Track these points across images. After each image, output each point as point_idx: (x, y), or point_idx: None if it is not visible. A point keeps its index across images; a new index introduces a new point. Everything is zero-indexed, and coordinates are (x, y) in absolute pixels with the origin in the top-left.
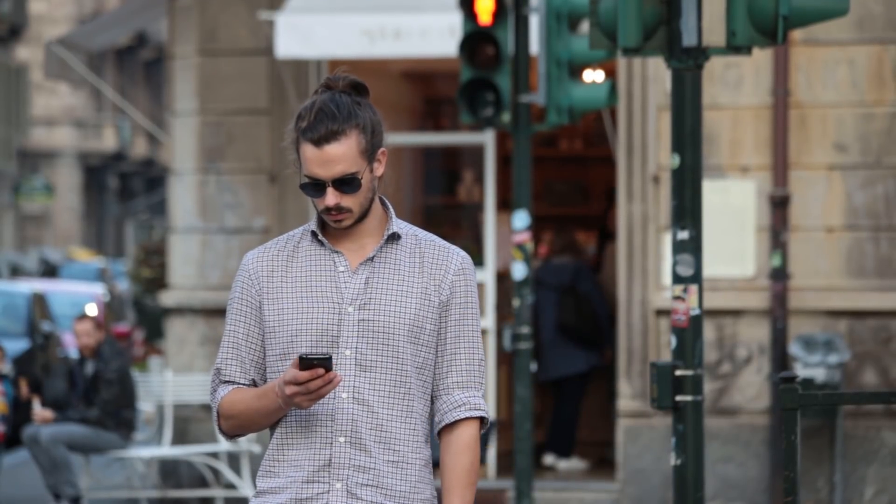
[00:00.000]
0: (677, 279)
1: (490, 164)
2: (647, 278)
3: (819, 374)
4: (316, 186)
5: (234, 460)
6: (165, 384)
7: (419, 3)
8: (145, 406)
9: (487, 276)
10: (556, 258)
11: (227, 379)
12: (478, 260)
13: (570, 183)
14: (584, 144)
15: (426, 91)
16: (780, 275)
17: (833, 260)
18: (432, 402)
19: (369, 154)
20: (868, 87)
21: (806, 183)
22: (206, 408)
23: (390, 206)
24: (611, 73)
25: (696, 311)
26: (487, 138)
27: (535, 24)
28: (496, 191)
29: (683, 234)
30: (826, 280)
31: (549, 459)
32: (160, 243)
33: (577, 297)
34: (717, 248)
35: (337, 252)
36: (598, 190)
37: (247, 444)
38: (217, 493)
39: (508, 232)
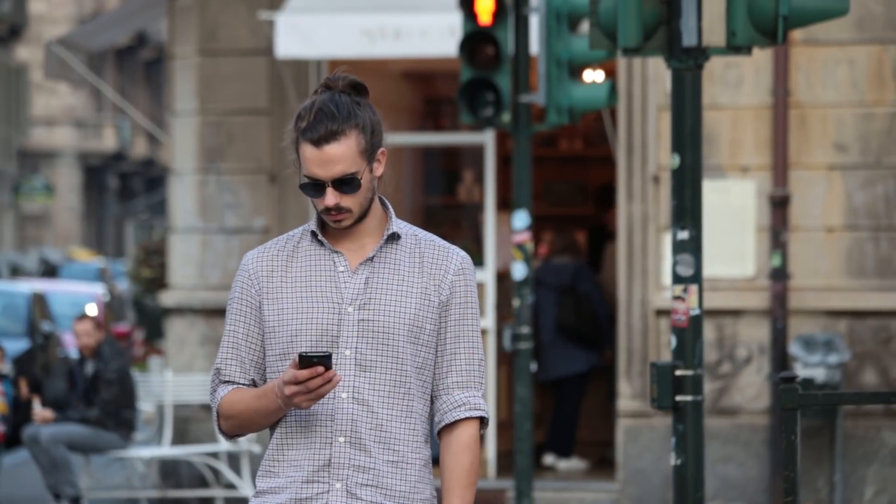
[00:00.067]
0: (677, 279)
1: (490, 164)
2: (647, 278)
3: (819, 374)
4: (315, 186)
5: (234, 460)
6: (165, 384)
7: (419, 3)
8: (145, 406)
9: (487, 276)
10: (556, 258)
11: (226, 379)
12: (478, 260)
13: (570, 183)
14: (584, 144)
15: (426, 91)
16: (780, 275)
17: (833, 260)
18: (432, 402)
19: (369, 154)
20: (868, 87)
21: (806, 183)
22: (206, 408)
23: (390, 206)
24: (611, 73)
25: (696, 311)
26: (487, 138)
27: (535, 24)
28: (496, 191)
29: (683, 234)
30: (826, 280)
31: (549, 459)
32: (160, 243)
33: (577, 297)
34: (717, 248)
35: (337, 252)
36: (595, 190)
37: (247, 444)
38: (217, 493)
39: (508, 232)
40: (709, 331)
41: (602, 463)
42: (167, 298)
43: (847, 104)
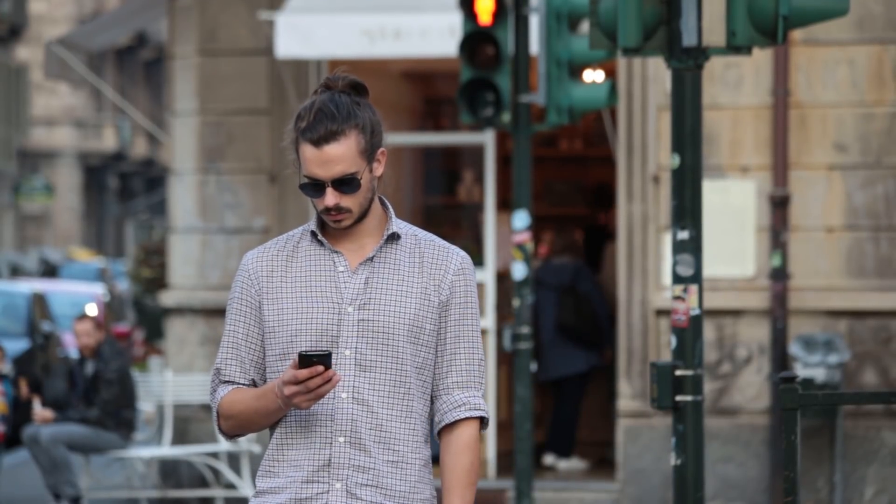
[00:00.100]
0: (677, 279)
1: (490, 164)
2: (647, 278)
3: (819, 374)
4: (315, 186)
5: (234, 460)
6: (165, 384)
7: (419, 3)
8: (145, 406)
9: (487, 276)
10: (556, 258)
11: (226, 379)
12: (478, 260)
13: (570, 183)
14: (584, 144)
15: (426, 91)
16: (780, 275)
17: (833, 260)
18: (432, 402)
19: (369, 154)
20: (868, 87)
21: (806, 183)
22: (206, 408)
23: (390, 206)
24: (611, 73)
25: (696, 311)
26: (487, 138)
27: (535, 24)
28: (496, 191)
29: (683, 234)
30: (826, 280)
31: (549, 459)
32: (160, 243)
33: (577, 297)
34: (717, 248)
35: (336, 252)
36: (590, 190)
37: (247, 444)
38: (217, 493)
39: (508, 232)
40: (709, 331)
41: (602, 463)
42: (167, 298)
43: (847, 104)
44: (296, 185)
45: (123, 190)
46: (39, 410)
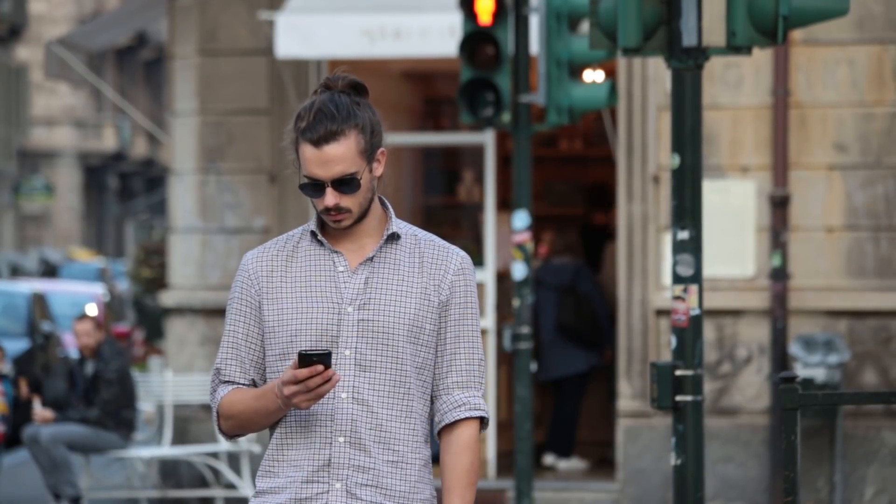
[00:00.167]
0: (677, 279)
1: (490, 164)
2: (647, 278)
3: (819, 374)
4: (315, 187)
5: (234, 460)
6: (165, 384)
7: (419, 3)
8: (145, 406)
9: (487, 276)
10: (556, 258)
11: (226, 379)
12: (478, 260)
13: (570, 183)
14: (584, 144)
15: (426, 91)
16: (780, 275)
17: (833, 260)
18: (432, 402)
19: (368, 154)
20: (868, 87)
21: (806, 183)
22: (206, 408)
23: (390, 206)
24: (611, 73)
25: (696, 311)
26: (487, 138)
27: (535, 24)
28: (496, 191)
29: (683, 234)
30: (826, 280)
31: (549, 459)
32: (160, 243)
33: (577, 297)
34: (717, 248)
35: (336, 252)
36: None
37: (247, 444)
38: (217, 493)
39: (508, 232)
40: (709, 331)
41: (602, 463)
42: (167, 298)
43: (847, 104)
44: (296, 185)
45: (123, 190)
46: (39, 410)
